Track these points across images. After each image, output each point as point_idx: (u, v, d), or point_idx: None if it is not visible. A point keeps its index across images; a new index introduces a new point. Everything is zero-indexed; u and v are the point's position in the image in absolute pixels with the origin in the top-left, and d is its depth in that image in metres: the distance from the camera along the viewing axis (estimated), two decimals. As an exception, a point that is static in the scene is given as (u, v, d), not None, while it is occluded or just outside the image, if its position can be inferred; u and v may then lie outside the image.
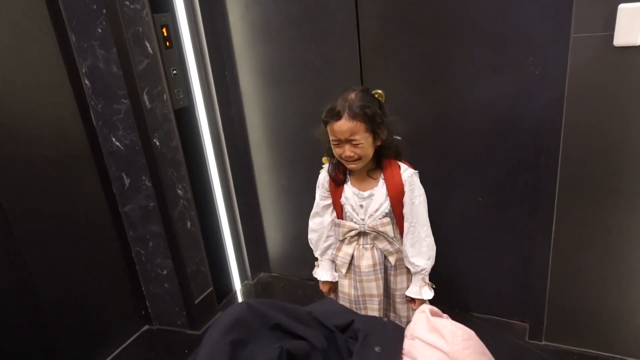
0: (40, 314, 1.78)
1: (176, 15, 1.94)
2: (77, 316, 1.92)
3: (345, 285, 1.58)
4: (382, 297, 1.54)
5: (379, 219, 1.45)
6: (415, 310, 1.50)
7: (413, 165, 1.49)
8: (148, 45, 1.80)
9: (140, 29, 1.76)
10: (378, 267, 1.50)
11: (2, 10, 1.57)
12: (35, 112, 1.70)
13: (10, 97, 1.62)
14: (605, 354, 1.79)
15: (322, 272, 1.63)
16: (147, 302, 2.20)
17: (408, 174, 1.44)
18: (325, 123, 1.38)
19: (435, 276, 1.55)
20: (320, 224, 1.57)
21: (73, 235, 1.87)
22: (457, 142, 1.84)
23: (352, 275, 1.55)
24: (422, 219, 1.46)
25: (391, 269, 1.53)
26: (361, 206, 1.46)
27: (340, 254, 1.54)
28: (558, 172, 1.62)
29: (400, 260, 1.52)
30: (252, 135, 2.26)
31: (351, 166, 1.41)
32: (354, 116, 1.32)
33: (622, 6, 1.35)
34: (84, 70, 1.81)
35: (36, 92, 1.70)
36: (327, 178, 1.52)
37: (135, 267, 2.13)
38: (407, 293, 1.53)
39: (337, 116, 1.33)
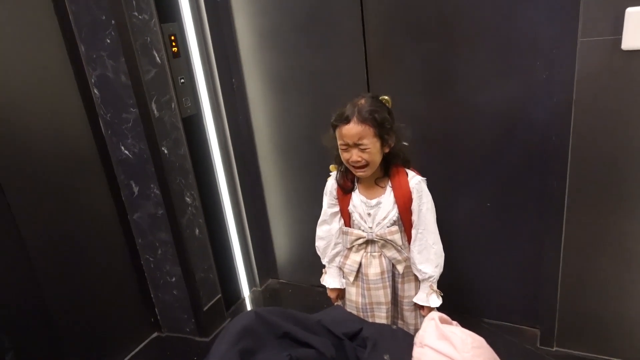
0: (50, 321, 1.79)
1: (183, 24, 1.96)
2: (87, 323, 1.93)
3: (352, 293, 1.58)
4: (389, 305, 1.53)
5: (387, 227, 1.45)
6: (424, 316, 1.49)
7: (420, 171, 1.49)
8: (156, 54, 1.81)
9: (149, 39, 1.78)
10: (386, 275, 1.50)
11: (12, 21, 1.60)
12: (45, 121, 1.73)
13: (20, 107, 1.64)
14: (617, 360, 1.77)
15: (330, 279, 1.62)
16: (156, 310, 2.21)
17: (416, 181, 1.44)
18: (334, 127, 1.39)
19: (445, 282, 1.54)
20: (328, 231, 1.57)
21: (83, 242, 1.89)
22: (464, 147, 1.83)
23: (360, 283, 1.55)
24: (430, 225, 1.45)
25: (399, 277, 1.53)
26: (369, 214, 1.46)
27: (348, 261, 1.53)
28: (567, 177, 1.60)
29: (409, 267, 1.51)
30: (260, 142, 2.26)
31: (359, 173, 1.41)
32: (363, 120, 1.32)
33: (629, 10, 1.34)
34: (93, 80, 1.83)
35: (46, 102, 1.73)
36: (335, 185, 1.52)
37: (144, 275, 2.14)
38: (415, 300, 1.53)
39: (346, 120, 1.34)
